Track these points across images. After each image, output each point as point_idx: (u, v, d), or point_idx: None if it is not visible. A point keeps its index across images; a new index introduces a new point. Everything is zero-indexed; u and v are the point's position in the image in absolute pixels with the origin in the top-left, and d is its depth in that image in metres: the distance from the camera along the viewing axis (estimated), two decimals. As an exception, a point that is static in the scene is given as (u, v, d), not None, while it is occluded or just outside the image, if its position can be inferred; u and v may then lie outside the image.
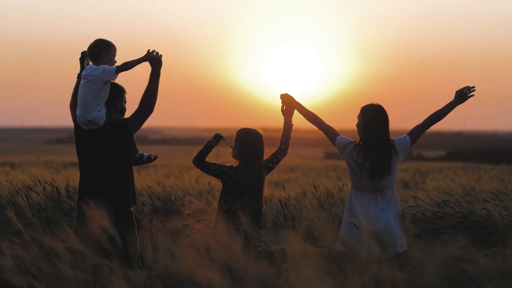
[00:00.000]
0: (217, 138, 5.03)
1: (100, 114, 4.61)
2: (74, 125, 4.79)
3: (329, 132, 5.09)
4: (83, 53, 4.85)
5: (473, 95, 5.05)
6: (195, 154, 5.01)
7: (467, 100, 5.10)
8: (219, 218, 4.89)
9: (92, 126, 4.63)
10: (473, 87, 5.02)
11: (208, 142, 5.01)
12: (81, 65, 4.87)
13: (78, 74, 4.87)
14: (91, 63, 4.73)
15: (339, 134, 5.07)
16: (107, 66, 4.64)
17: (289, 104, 5.17)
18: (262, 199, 4.96)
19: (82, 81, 4.64)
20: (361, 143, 4.97)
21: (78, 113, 4.65)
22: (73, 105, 4.85)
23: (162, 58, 4.70)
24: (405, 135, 5.07)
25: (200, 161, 4.98)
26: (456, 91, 5.06)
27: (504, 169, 23.78)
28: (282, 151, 5.09)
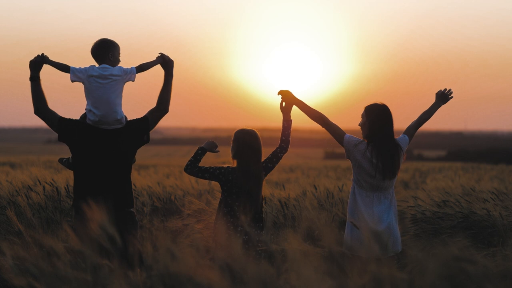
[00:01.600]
0: (209, 144, 5.07)
1: (123, 113, 4.69)
2: (66, 125, 4.69)
3: (335, 131, 5.01)
4: (42, 56, 4.69)
5: (452, 97, 5.33)
6: (187, 163, 5.01)
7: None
8: (219, 219, 4.90)
9: (118, 125, 4.65)
10: (450, 89, 5.33)
11: (199, 148, 5.04)
12: (36, 68, 4.68)
13: (32, 77, 4.68)
14: (97, 64, 4.70)
15: (345, 133, 5.00)
16: (123, 67, 4.70)
17: (288, 100, 5.12)
18: (261, 200, 4.96)
19: (101, 81, 4.59)
20: (370, 143, 4.93)
21: (98, 112, 4.58)
22: (43, 110, 4.70)
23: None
24: (403, 134, 5.10)
25: (192, 167, 4.98)
26: (437, 93, 5.32)
27: (504, 169, 23.77)
28: (282, 149, 5.09)
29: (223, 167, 4.95)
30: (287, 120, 5.13)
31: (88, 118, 4.65)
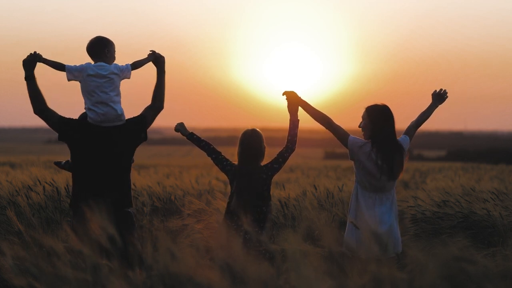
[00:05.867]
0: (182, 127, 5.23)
1: (123, 110, 4.70)
2: (66, 125, 4.66)
3: (339, 132, 4.96)
4: (35, 55, 4.64)
5: (447, 97, 5.35)
6: (208, 156, 5.12)
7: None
8: (224, 217, 5.00)
9: (118, 122, 4.66)
10: (445, 90, 5.35)
11: (188, 137, 5.20)
12: (30, 67, 4.63)
13: (27, 76, 4.63)
14: (92, 62, 4.70)
15: (349, 134, 4.95)
16: (119, 65, 4.72)
17: (293, 101, 5.08)
18: (263, 200, 4.98)
19: (99, 80, 4.60)
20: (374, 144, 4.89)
21: (99, 110, 4.58)
22: (42, 109, 4.65)
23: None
24: (403, 135, 5.08)
25: (210, 153, 5.08)
26: (433, 94, 5.31)
27: (504, 169, 23.78)
28: (288, 149, 5.08)
29: (234, 164, 5.01)
30: (293, 120, 5.09)
31: (89, 117, 4.64)
